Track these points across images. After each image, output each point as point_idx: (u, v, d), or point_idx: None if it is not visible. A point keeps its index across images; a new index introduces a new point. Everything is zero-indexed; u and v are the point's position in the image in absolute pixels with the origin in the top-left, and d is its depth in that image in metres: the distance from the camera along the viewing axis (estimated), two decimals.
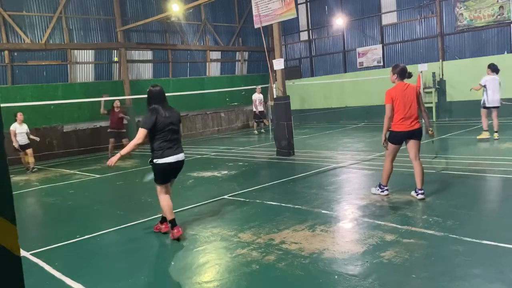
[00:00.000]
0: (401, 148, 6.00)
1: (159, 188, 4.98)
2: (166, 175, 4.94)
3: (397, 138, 5.80)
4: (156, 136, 4.80)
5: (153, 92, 4.90)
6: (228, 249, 4.45)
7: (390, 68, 5.98)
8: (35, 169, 11.64)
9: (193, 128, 18.44)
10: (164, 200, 4.96)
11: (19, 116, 11.33)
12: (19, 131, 11.29)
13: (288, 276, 3.70)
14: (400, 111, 5.65)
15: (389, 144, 5.88)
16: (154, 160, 4.83)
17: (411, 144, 5.81)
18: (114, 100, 13.13)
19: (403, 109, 5.63)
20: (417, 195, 5.73)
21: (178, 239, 4.82)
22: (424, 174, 5.80)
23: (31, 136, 11.67)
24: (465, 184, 6.48)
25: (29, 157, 11.49)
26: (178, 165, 4.95)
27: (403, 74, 5.76)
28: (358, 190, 6.60)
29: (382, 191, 6.06)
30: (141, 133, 4.73)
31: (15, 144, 11.11)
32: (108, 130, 12.99)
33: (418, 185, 5.75)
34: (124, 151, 4.87)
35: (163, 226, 5.16)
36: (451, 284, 3.31)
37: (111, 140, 12.82)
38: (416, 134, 5.76)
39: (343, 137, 13.50)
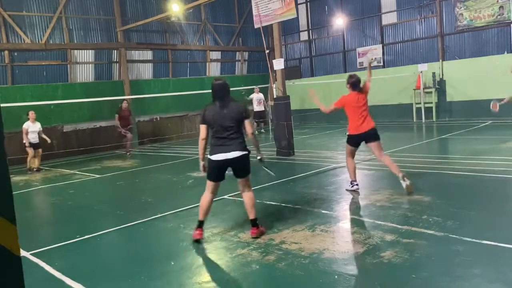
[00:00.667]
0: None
1: (207, 183, 4.81)
2: (215, 172, 4.70)
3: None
4: (211, 132, 4.68)
5: (213, 87, 4.72)
6: (228, 249, 4.45)
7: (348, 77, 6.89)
8: (41, 169, 11.56)
9: (193, 128, 18.42)
10: (204, 198, 4.82)
11: (31, 114, 11.29)
12: (32, 130, 11.21)
13: (288, 276, 3.70)
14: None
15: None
16: (208, 155, 4.70)
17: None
18: (122, 100, 13.61)
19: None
20: (352, 186, 6.46)
21: (197, 241, 4.72)
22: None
23: (43, 135, 11.57)
24: (465, 184, 6.48)
25: (37, 157, 11.41)
26: (228, 163, 4.63)
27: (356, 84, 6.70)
28: (358, 190, 6.59)
29: (352, 186, 6.52)
30: (201, 128, 4.70)
31: (26, 142, 11.04)
32: (123, 131, 13.28)
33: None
34: (199, 151, 4.77)
35: (197, 232, 4.78)
36: (451, 284, 3.31)
37: (128, 137, 13.35)
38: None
39: (343, 137, 13.45)
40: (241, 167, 4.70)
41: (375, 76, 17.18)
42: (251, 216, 4.79)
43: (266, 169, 5.28)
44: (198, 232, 4.73)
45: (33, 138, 11.25)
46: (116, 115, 13.33)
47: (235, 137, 4.63)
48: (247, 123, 4.71)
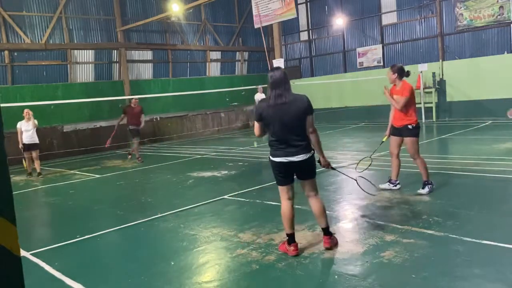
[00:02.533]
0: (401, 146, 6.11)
1: (279, 189, 4.21)
2: (280, 176, 4.12)
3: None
4: (267, 130, 4.05)
5: (269, 78, 4.02)
6: (228, 249, 4.45)
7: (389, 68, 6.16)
8: (41, 175, 10.52)
9: (193, 128, 18.43)
10: (283, 208, 4.17)
11: (25, 113, 10.34)
12: (25, 128, 10.28)
13: (288, 276, 3.69)
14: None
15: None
16: (270, 156, 4.09)
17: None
18: (131, 99, 12.37)
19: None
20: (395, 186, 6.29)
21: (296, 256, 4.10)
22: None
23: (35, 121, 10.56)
24: (465, 184, 6.48)
25: (35, 160, 10.44)
26: (293, 166, 4.03)
27: (402, 72, 5.96)
28: (358, 190, 6.59)
29: (395, 186, 6.34)
30: (254, 126, 4.15)
31: (20, 144, 10.21)
32: (130, 127, 11.62)
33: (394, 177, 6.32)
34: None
35: (292, 248, 4.08)
36: (451, 284, 3.31)
37: (135, 138, 11.64)
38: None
39: (343, 137, 13.50)
40: (307, 169, 4.09)
41: (375, 76, 17.26)
42: (322, 224, 4.18)
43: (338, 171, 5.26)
44: (293, 248, 4.06)
45: (27, 137, 10.24)
46: (122, 115, 11.91)
47: (296, 138, 3.98)
48: (309, 119, 4.07)
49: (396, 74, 5.90)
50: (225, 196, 6.76)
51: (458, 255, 3.82)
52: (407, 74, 5.98)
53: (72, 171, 11.06)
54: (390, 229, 4.62)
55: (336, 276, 3.60)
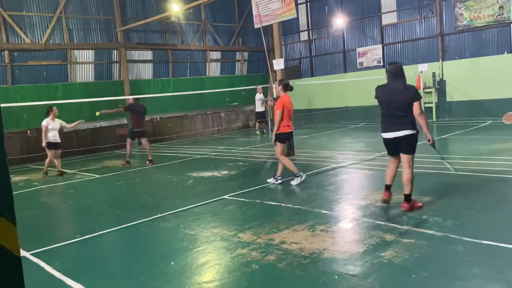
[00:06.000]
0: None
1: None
2: (387, 148, 5.40)
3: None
4: (382, 110, 5.27)
5: (386, 70, 5.29)
6: (228, 249, 4.45)
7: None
8: (65, 173, 10.41)
9: (193, 128, 18.43)
10: (387, 169, 5.48)
11: (54, 110, 10.23)
12: (52, 127, 10.15)
13: (288, 276, 3.70)
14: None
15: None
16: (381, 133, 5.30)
17: None
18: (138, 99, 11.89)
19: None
20: (276, 181, 7.41)
21: (385, 201, 5.46)
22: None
23: (69, 126, 10.63)
24: (465, 184, 6.48)
25: (57, 159, 10.32)
26: (397, 140, 5.14)
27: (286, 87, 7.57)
28: (358, 190, 6.60)
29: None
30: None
31: (44, 142, 10.05)
32: (134, 129, 10.93)
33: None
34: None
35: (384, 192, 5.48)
36: (451, 284, 3.31)
37: (129, 140, 11.06)
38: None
39: (343, 137, 13.50)
40: (408, 143, 5.12)
41: (375, 76, 17.25)
42: (405, 191, 5.20)
43: (440, 156, 6.00)
44: (386, 193, 5.42)
45: (53, 136, 10.16)
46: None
47: (402, 117, 5.06)
48: (415, 104, 5.05)
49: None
50: (225, 196, 6.77)
51: (458, 255, 3.83)
52: (290, 88, 7.89)
53: (72, 171, 11.06)
54: (390, 229, 4.62)
55: (336, 276, 3.60)
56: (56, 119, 10.35)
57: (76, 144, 14.97)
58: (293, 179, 7.28)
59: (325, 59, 21.21)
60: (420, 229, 4.54)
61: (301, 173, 7.32)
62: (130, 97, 12.66)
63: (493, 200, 5.53)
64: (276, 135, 7.33)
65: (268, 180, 7.56)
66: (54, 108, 10.39)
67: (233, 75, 21.12)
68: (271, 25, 10.68)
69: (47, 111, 10.33)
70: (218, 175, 8.80)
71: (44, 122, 10.13)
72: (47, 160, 10.40)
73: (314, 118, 19.78)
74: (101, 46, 16.29)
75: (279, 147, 7.35)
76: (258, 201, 6.35)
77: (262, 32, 11.34)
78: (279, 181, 7.40)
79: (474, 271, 3.47)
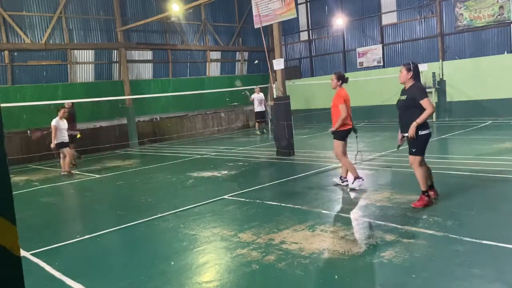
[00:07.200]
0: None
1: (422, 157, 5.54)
2: (426, 145, 5.54)
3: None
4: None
5: (415, 68, 5.69)
6: (228, 249, 4.45)
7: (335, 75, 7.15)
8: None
9: (193, 128, 18.43)
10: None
11: (62, 112, 10.21)
12: (62, 127, 10.13)
13: (288, 276, 3.70)
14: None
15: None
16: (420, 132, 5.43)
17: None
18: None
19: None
20: (342, 182, 6.81)
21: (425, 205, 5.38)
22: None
23: (71, 132, 10.64)
24: (465, 184, 6.48)
25: (63, 159, 10.29)
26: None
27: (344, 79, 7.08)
28: (358, 190, 6.59)
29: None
30: (430, 102, 5.47)
31: (52, 144, 9.99)
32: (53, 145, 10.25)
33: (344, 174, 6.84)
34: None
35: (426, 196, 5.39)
36: (451, 284, 3.31)
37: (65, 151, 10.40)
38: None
39: None
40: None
41: (375, 76, 17.26)
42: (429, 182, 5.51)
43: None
44: (433, 193, 5.54)
45: (63, 136, 10.11)
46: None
47: (404, 118, 5.78)
48: (423, 103, 5.36)
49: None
50: (225, 196, 6.77)
51: (458, 255, 3.83)
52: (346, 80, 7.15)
53: (72, 171, 11.05)
54: (390, 229, 4.62)
55: (336, 276, 3.60)
56: (64, 120, 10.32)
57: (76, 144, 14.95)
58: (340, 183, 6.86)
59: (325, 59, 21.21)
60: (420, 229, 4.54)
61: (362, 177, 6.68)
62: (67, 101, 12.32)
63: (493, 200, 5.53)
64: (336, 132, 6.64)
65: (334, 180, 7.06)
66: (64, 108, 10.40)
67: (233, 75, 21.11)
68: (271, 25, 10.68)
69: (58, 109, 10.37)
70: (218, 175, 8.80)
71: (53, 122, 10.07)
72: (66, 160, 10.26)
73: (314, 118, 19.78)
74: (101, 46, 16.29)
75: (339, 146, 6.65)
76: (258, 201, 6.35)
77: (262, 32, 11.34)
78: (346, 183, 6.77)
79: (474, 271, 3.47)
